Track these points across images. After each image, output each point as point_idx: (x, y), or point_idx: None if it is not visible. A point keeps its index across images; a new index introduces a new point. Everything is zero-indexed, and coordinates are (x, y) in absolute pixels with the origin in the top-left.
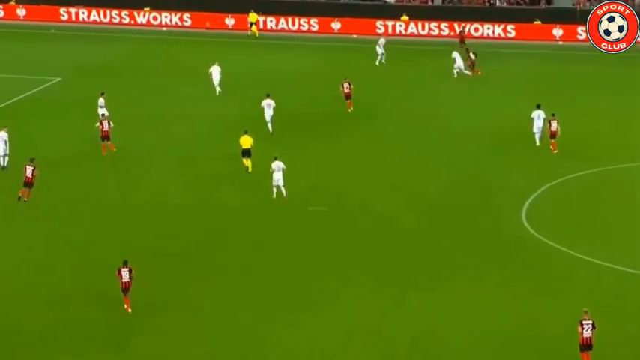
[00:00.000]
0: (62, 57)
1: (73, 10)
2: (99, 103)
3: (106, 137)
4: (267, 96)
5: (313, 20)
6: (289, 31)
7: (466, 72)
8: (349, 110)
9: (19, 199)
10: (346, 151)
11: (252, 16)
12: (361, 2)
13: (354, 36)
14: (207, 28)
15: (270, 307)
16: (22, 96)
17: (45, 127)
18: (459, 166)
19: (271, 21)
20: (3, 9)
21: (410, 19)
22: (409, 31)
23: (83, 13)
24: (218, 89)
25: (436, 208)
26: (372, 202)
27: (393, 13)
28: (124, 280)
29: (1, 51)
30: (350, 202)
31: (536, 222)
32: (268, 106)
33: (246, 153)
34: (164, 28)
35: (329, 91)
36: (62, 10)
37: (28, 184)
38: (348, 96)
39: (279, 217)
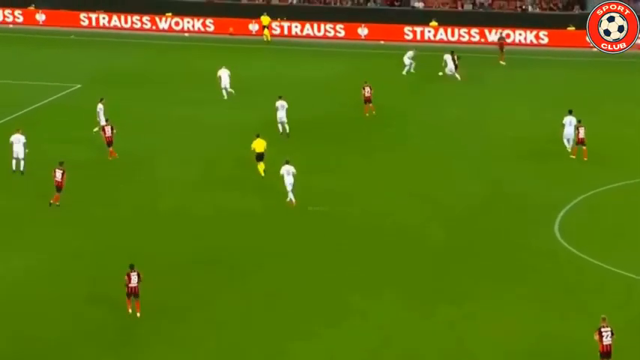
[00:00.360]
0: (82, 63)
1: (93, 16)
2: (98, 109)
3: (109, 143)
4: (280, 97)
5: (339, 26)
6: (315, 37)
7: (457, 76)
8: (372, 114)
9: (50, 204)
10: (368, 158)
11: (265, 19)
12: (389, 7)
13: (382, 42)
14: (231, 34)
15: (292, 318)
16: (41, 103)
17: (65, 135)
18: (488, 176)
19: (296, 27)
20: (22, 14)
21: (439, 24)
22: (438, 37)
23: (104, 18)
24: (230, 91)
25: (464, 219)
26: (397, 212)
27: (422, 19)
28: (132, 285)
29: (20, 57)
30: (374, 212)
31: (570, 234)
32: (282, 107)
33: (260, 157)
34: (186, 34)
35: (354, 98)
36: (82, 16)
37: (58, 187)
38: (368, 100)
39: (301, 225)
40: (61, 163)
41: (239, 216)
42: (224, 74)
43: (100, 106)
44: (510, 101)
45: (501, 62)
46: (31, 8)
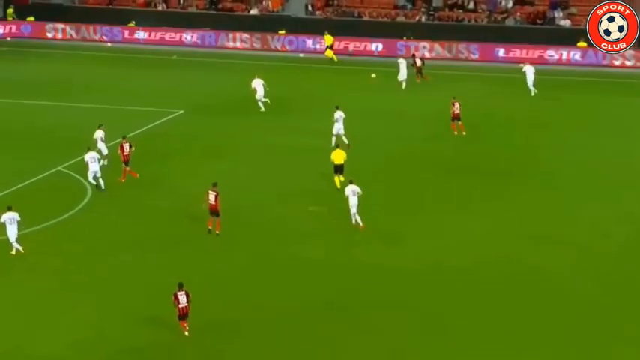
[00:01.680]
0: (185, 86)
1: (197, 34)
2: (98, 137)
3: (126, 162)
4: (337, 108)
5: (473, 47)
6: (444, 57)
7: (403, 83)
8: (462, 133)
9: (209, 231)
10: (482, 188)
11: (328, 39)
12: (530, 26)
13: (521, 65)
14: (350, 55)
15: None
16: (139, 131)
17: (163, 167)
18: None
19: (424, 47)
20: (121, 31)
21: (588, 45)
22: (586, 59)
23: (210, 37)
24: (266, 101)
25: (617, 269)
26: (531, 258)
27: (568, 39)
28: (181, 306)
29: (119, 79)
30: (502, 256)
31: None
32: (340, 118)
33: (340, 169)
34: (301, 55)
35: (490, 130)
36: (186, 34)
37: (214, 212)
38: (457, 117)
39: (424, 270)
40: (214, 185)
41: (354, 262)
42: (258, 85)
43: (99, 132)
44: None
45: None
46: (131, 25)
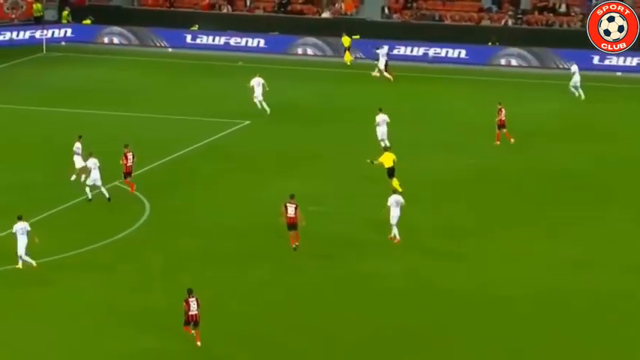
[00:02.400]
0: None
1: (265, 38)
2: (75, 148)
3: (128, 173)
4: (380, 110)
5: (565, 53)
6: (533, 65)
7: (386, 74)
8: (511, 140)
9: (295, 248)
10: (576, 213)
11: (346, 40)
12: None
13: (618, 74)
14: (430, 62)
15: None
16: (202, 142)
17: (224, 182)
18: None
19: (510, 54)
20: (183, 35)
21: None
22: None
23: (279, 42)
24: (259, 106)
25: None
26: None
27: None
28: (192, 313)
29: (181, 87)
30: (598, 287)
31: None
32: (383, 122)
33: (391, 172)
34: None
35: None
36: (252, 39)
37: (293, 225)
38: (503, 124)
39: (509, 300)
40: (292, 197)
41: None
42: (257, 85)
43: (77, 145)
44: None
45: None
46: (194, 28)
